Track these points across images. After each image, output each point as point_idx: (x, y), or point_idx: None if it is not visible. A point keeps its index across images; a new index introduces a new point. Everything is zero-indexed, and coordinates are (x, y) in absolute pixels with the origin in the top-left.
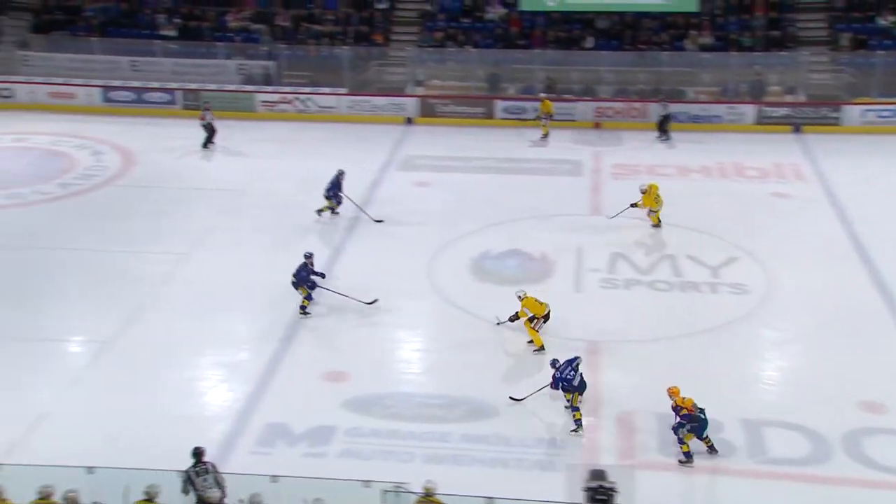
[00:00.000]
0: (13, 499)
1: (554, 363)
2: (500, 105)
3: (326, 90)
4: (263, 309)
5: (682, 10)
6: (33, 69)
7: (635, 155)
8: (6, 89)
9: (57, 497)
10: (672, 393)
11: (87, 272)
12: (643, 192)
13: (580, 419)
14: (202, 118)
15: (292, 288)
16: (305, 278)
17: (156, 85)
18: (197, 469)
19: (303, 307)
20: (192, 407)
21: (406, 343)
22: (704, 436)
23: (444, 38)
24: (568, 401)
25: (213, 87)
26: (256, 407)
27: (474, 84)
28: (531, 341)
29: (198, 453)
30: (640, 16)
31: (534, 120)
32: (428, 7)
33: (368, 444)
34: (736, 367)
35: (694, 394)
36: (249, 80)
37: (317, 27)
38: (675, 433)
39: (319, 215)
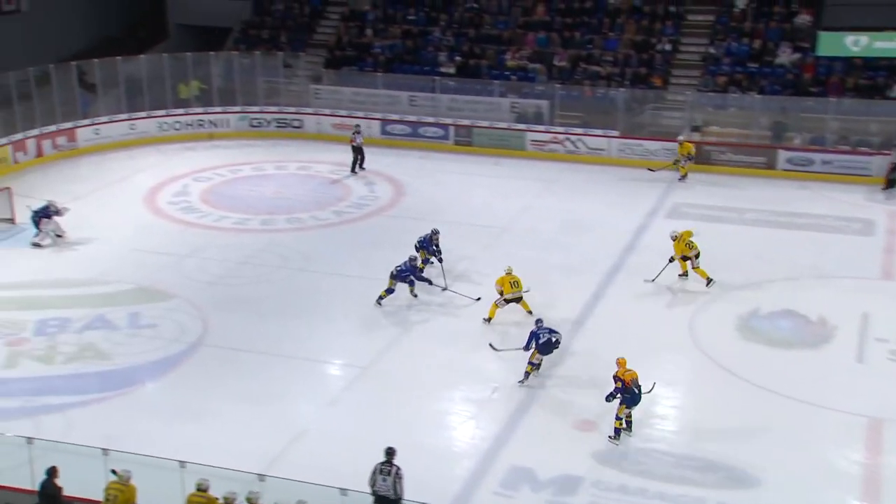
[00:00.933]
0: None
1: (538, 322)
2: (783, 155)
3: (598, 132)
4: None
5: None
6: (322, 101)
7: None
8: (297, 120)
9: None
10: (619, 363)
11: (352, 298)
12: (673, 240)
13: (529, 372)
14: (352, 141)
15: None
16: (405, 276)
17: (431, 119)
18: (382, 467)
19: (380, 297)
20: (441, 440)
21: (661, 398)
22: (630, 410)
23: (728, 82)
24: (530, 360)
25: (485, 123)
26: (503, 448)
27: (756, 132)
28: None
29: (389, 452)
30: None
31: (672, 163)
32: (712, 50)
33: (615, 499)
34: None
35: None
36: (522, 118)
37: (594, 68)
38: (608, 400)
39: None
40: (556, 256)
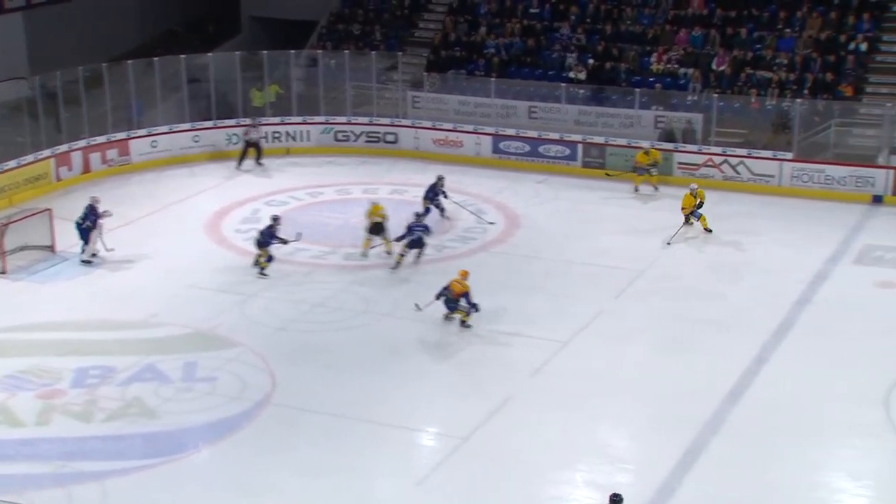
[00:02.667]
0: None
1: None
2: None
3: (766, 154)
4: (648, 419)
5: None
6: (422, 112)
7: None
8: (391, 133)
9: None
10: (461, 274)
11: (448, 351)
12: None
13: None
14: (247, 134)
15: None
16: (267, 241)
17: (554, 136)
18: None
19: (261, 267)
20: None
21: (848, 496)
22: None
23: None
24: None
25: (622, 141)
26: None
27: None
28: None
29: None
30: None
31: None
32: None
33: None
34: None
35: None
36: (668, 135)
37: (764, 73)
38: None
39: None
40: (705, 309)
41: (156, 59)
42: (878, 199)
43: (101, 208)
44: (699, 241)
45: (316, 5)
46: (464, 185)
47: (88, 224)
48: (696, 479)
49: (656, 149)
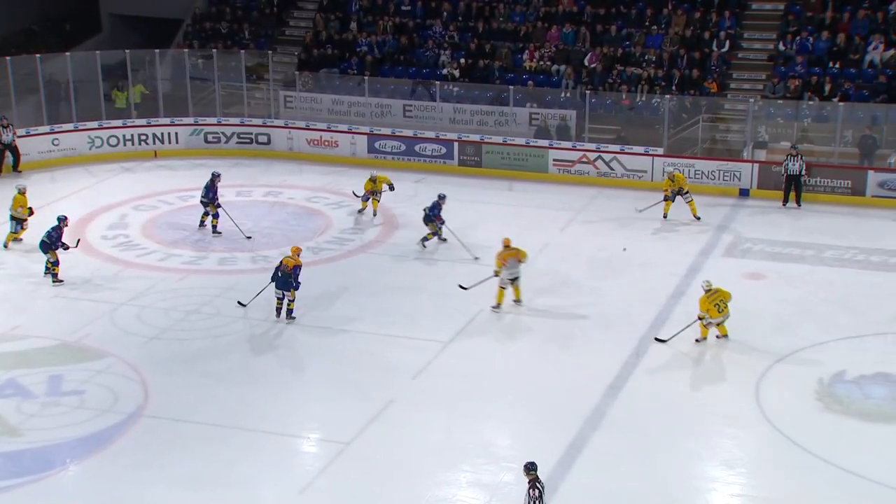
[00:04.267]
0: None
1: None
2: (873, 178)
3: (638, 149)
4: (531, 416)
5: None
6: (295, 112)
7: None
8: (263, 134)
9: None
10: (294, 250)
11: (329, 356)
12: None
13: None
14: None
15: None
16: (55, 242)
17: (430, 134)
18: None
19: (50, 270)
20: None
21: (721, 483)
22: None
23: (802, 87)
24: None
25: (497, 139)
26: None
27: (839, 149)
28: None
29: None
30: None
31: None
32: (781, 47)
33: None
34: None
35: None
36: (543, 132)
37: (634, 70)
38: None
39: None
40: (584, 305)
41: (9, 58)
42: (744, 193)
43: None
44: (578, 240)
45: (180, 3)
46: (340, 186)
47: None
48: (578, 473)
49: (678, 172)
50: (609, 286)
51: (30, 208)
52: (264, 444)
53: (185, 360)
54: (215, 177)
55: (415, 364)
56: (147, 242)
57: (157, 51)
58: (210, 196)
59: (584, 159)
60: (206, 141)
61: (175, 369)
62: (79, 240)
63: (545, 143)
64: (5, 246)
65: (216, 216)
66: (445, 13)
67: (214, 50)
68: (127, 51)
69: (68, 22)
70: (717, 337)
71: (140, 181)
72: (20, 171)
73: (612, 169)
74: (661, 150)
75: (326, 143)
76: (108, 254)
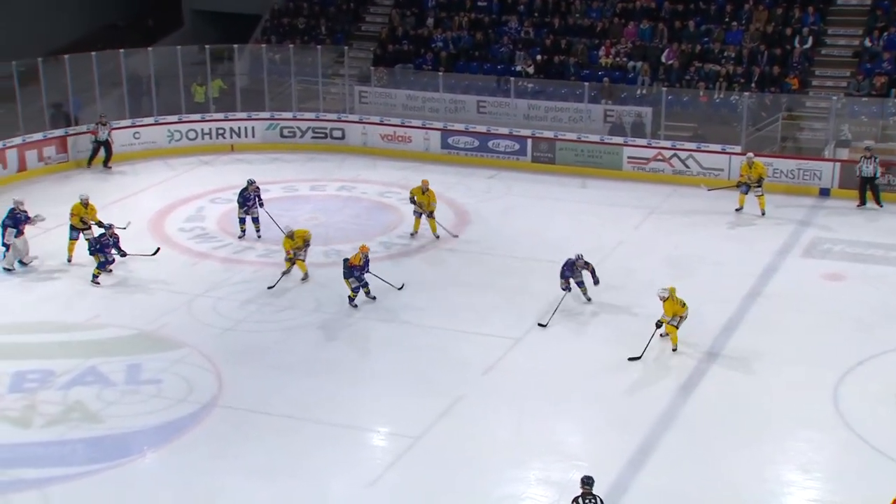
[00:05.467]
0: None
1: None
2: None
3: (715, 147)
4: (601, 415)
5: None
6: (369, 107)
7: None
8: (338, 129)
9: None
10: (361, 249)
11: (401, 349)
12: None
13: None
14: (95, 132)
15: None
16: (103, 248)
17: (503, 130)
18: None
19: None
20: None
21: (798, 489)
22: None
23: (888, 84)
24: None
25: (571, 136)
26: None
27: None
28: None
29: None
30: None
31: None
32: (868, 43)
33: None
34: None
35: None
36: (618, 129)
37: (712, 67)
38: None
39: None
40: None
41: (94, 53)
42: (825, 192)
43: (29, 213)
44: (653, 238)
45: None
46: (413, 182)
47: (8, 226)
48: (648, 474)
49: (758, 161)
50: (682, 285)
51: (84, 221)
52: (334, 437)
53: (259, 351)
54: (249, 184)
55: (485, 360)
56: (223, 235)
57: (235, 46)
58: (241, 201)
59: (660, 157)
60: (282, 135)
61: (249, 360)
62: (124, 252)
63: (620, 140)
64: (69, 261)
65: (243, 221)
66: (521, 9)
67: (291, 45)
68: (207, 46)
69: (151, 17)
70: (661, 335)
71: (217, 174)
72: (109, 167)
73: (687, 167)
74: (738, 148)
75: (400, 139)
76: (185, 245)
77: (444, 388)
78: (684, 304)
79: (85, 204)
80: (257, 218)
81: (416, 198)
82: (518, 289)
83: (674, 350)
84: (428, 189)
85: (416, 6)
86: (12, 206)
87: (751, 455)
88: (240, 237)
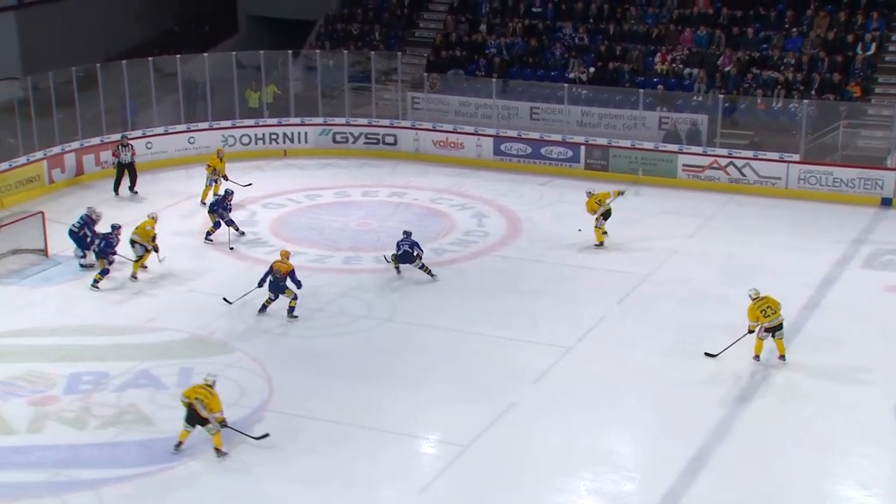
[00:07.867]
0: None
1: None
2: None
3: (773, 156)
4: (653, 425)
5: None
6: (422, 113)
7: None
8: (391, 135)
9: None
10: (283, 254)
11: (451, 356)
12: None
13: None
14: (116, 155)
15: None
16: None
17: (556, 137)
18: None
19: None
20: None
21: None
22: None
23: None
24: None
25: (625, 143)
26: None
27: None
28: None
29: None
30: None
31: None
32: None
33: None
34: None
35: None
36: (673, 137)
37: (771, 74)
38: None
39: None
40: (711, 314)
41: (151, 59)
42: (886, 202)
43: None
44: (708, 247)
45: (314, 5)
46: (465, 188)
47: (86, 234)
48: (701, 486)
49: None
50: (738, 295)
51: (153, 241)
52: (384, 443)
53: (309, 357)
54: (228, 194)
55: (537, 368)
56: (275, 240)
57: (290, 52)
58: (213, 207)
59: (715, 165)
60: (335, 141)
61: (299, 366)
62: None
63: (675, 147)
64: (134, 277)
65: (216, 225)
66: (576, 15)
67: (345, 51)
68: (261, 52)
69: (207, 23)
70: (779, 358)
71: (269, 179)
72: (136, 192)
73: (744, 175)
74: (797, 157)
75: (452, 145)
76: (237, 250)
77: (494, 396)
78: (768, 313)
79: (154, 220)
80: (231, 221)
81: None
82: (569, 296)
83: (755, 358)
84: None
85: (470, 12)
86: (85, 213)
87: (808, 469)
88: (242, 233)
